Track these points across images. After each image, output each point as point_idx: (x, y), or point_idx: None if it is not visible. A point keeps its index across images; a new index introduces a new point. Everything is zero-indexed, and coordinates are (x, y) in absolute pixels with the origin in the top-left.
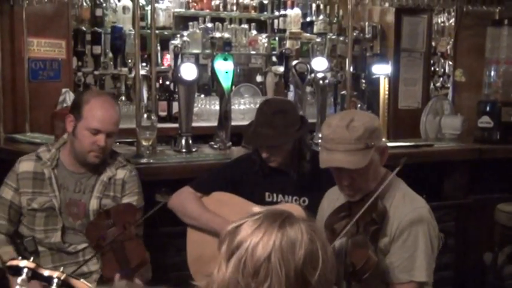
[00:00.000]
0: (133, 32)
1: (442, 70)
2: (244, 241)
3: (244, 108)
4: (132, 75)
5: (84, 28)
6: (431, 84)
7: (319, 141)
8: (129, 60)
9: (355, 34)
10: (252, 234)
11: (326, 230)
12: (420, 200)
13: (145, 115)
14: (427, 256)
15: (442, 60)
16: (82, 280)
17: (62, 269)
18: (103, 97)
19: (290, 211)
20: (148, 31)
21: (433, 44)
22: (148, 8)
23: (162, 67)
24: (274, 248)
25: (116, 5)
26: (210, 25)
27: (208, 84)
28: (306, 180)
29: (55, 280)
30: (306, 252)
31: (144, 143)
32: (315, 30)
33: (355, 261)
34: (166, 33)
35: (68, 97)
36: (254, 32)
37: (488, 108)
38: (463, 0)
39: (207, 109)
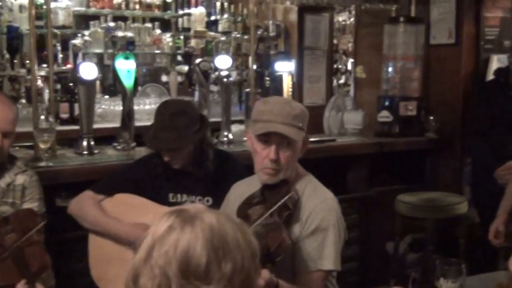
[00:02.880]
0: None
1: (345, 67)
2: (163, 240)
3: (150, 108)
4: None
5: None
6: (335, 81)
7: (224, 139)
8: (28, 61)
9: (259, 32)
10: (163, 236)
11: (239, 216)
12: (329, 192)
13: (42, 117)
14: (336, 245)
15: (344, 58)
16: None
17: None
18: None
19: (201, 209)
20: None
21: (335, 41)
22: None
23: (64, 67)
24: (191, 244)
25: (12, 3)
26: (112, 24)
27: (114, 84)
28: (210, 180)
29: None
30: (216, 247)
31: (42, 145)
32: (220, 28)
33: (269, 244)
34: (67, 32)
35: None
36: (158, 31)
37: (387, 103)
38: None
39: (111, 110)
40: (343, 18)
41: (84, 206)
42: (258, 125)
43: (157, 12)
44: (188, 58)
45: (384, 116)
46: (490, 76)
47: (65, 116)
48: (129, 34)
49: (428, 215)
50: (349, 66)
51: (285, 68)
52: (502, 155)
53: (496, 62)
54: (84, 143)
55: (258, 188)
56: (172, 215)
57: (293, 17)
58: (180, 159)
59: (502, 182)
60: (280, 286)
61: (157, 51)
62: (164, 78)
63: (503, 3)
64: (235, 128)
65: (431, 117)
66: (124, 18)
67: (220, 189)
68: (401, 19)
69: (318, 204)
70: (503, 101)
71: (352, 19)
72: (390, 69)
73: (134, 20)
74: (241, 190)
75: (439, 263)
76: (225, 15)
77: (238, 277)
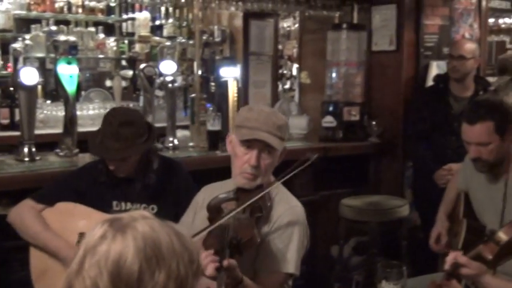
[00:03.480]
0: None
1: (289, 72)
2: (94, 250)
3: (94, 113)
4: None
5: None
6: (280, 86)
7: (169, 144)
8: None
9: (204, 38)
10: (101, 242)
11: (210, 209)
12: (297, 200)
13: None
14: (299, 251)
15: (289, 63)
16: None
17: None
18: None
19: (135, 217)
20: None
21: (280, 47)
22: None
23: (4, 72)
24: (123, 253)
25: None
26: (54, 28)
27: (57, 89)
28: (155, 188)
29: None
30: (149, 255)
31: None
32: (165, 33)
33: (240, 236)
34: (8, 36)
35: None
36: (102, 35)
37: (331, 109)
38: (305, 5)
39: (53, 115)
40: (288, 24)
41: (25, 218)
42: (243, 131)
43: (100, 16)
44: (132, 63)
45: (328, 121)
46: (430, 82)
47: (5, 121)
48: (72, 38)
49: (371, 218)
50: (294, 72)
51: (230, 73)
52: (441, 159)
53: (435, 68)
54: (25, 150)
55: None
56: (105, 223)
57: (238, 22)
58: (126, 168)
59: (442, 182)
60: (244, 282)
61: (101, 56)
62: (108, 83)
63: (441, 11)
64: (180, 133)
65: (374, 122)
66: (66, 22)
67: (166, 196)
68: (344, 26)
69: (286, 209)
70: (442, 106)
71: (296, 25)
72: (334, 75)
73: (77, 24)
74: (212, 192)
75: (380, 266)
76: (170, 20)
77: (173, 284)
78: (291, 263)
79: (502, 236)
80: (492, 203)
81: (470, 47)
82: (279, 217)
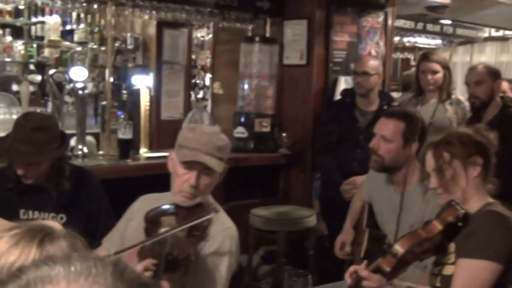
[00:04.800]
0: None
1: (202, 82)
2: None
3: None
4: None
5: None
6: (192, 95)
7: (78, 152)
8: None
9: (117, 45)
10: (9, 252)
11: (148, 220)
12: (230, 221)
13: None
14: (228, 272)
15: (202, 73)
16: None
17: None
18: None
19: (51, 227)
20: None
21: (194, 57)
22: None
23: None
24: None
25: None
26: None
27: None
28: (65, 197)
29: None
30: None
31: None
32: (76, 39)
33: (177, 253)
34: None
35: None
36: (9, 38)
37: (242, 120)
38: (219, 16)
39: None
40: (202, 34)
41: None
42: (184, 151)
43: (8, 19)
44: (41, 68)
45: (240, 131)
46: (338, 96)
47: None
48: None
49: (280, 228)
50: (207, 82)
51: (142, 81)
52: (348, 171)
53: (343, 83)
54: None
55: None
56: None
57: (152, 30)
58: (35, 174)
59: (348, 196)
60: None
61: (8, 59)
62: (15, 87)
63: (350, 29)
64: (90, 141)
65: (284, 134)
66: None
67: (76, 206)
68: (257, 39)
69: (221, 230)
70: (348, 119)
71: (210, 35)
72: (246, 86)
73: None
74: (149, 203)
75: (287, 275)
76: (81, 25)
77: None
78: (219, 284)
79: (399, 248)
80: (390, 214)
81: (373, 63)
82: (213, 237)
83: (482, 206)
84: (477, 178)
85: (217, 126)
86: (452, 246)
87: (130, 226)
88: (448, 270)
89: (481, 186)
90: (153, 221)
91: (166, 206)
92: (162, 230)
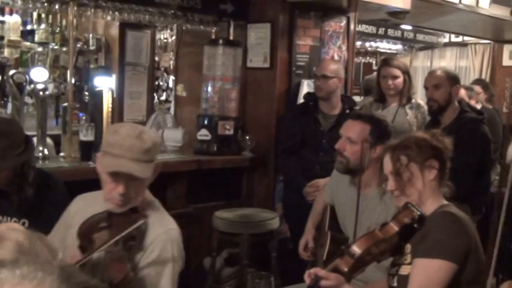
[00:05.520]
0: None
1: (166, 84)
2: None
3: None
4: None
5: None
6: (156, 97)
7: (39, 154)
8: None
9: (78, 45)
10: None
11: (82, 237)
12: (173, 221)
13: None
14: (173, 277)
15: (166, 75)
16: None
17: None
18: None
19: (3, 229)
20: None
21: (157, 58)
22: None
23: None
24: None
25: None
26: None
27: None
28: (27, 203)
29: None
30: None
31: None
32: (36, 39)
33: (113, 275)
34: None
35: None
36: None
37: (206, 122)
38: (182, 18)
39: None
40: (165, 36)
41: None
42: (107, 160)
43: None
44: (1, 68)
45: (203, 134)
46: (301, 99)
47: None
48: None
49: (243, 230)
50: (170, 84)
51: (105, 83)
52: (310, 174)
53: (306, 86)
54: None
55: (103, 207)
56: None
57: (114, 31)
58: None
59: (310, 199)
60: None
61: None
62: None
63: (313, 33)
64: (51, 143)
65: (248, 137)
66: None
67: (40, 211)
68: (221, 41)
69: (161, 233)
70: (311, 122)
71: (173, 37)
72: (209, 89)
73: None
74: (85, 205)
75: (250, 277)
76: (42, 26)
77: None
78: None
79: (356, 249)
80: (353, 216)
81: (332, 67)
82: (153, 242)
83: (437, 208)
84: (433, 181)
85: (142, 127)
86: (408, 247)
87: (69, 234)
88: (404, 270)
89: (437, 189)
90: (86, 236)
91: (98, 216)
92: (95, 254)
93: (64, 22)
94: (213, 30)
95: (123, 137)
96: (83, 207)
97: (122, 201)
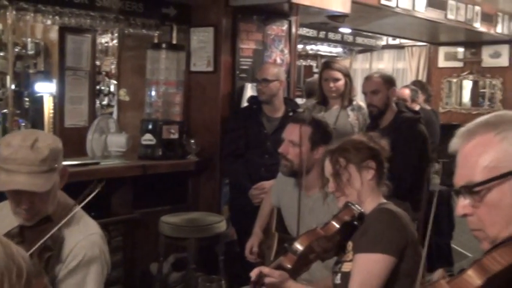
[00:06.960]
0: None
1: (108, 89)
2: None
3: None
4: None
5: None
6: (98, 102)
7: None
8: None
9: (17, 50)
10: None
11: None
12: (94, 225)
13: None
14: (97, 283)
15: (107, 79)
16: None
17: None
18: None
19: None
20: None
21: (98, 63)
22: None
23: None
24: None
25: None
26: None
27: None
28: None
29: None
30: None
31: None
32: None
33: None
34: None
35: None
36: None
37: (150, 127)
38: (124, 22)
39: None
40: (106, 40)
41: None
42: (2, 177)
43: None
44: None
45: (148, 139)
46: (245, 103)
47: None
48: None
49: (190, 234)
50: (112, 88)
51: (45, 88)
52: (256, 176)
53: (250, 90)
54: None
55: (16, 220)
56: None
57: (53, 35)
58: None
59: (256, 201)
60: None
61: None
62: None
63: (256, 37)
64: None
65: (193, 141)
66: None
67: None
68: (164, 45)
69: (80, 240)
70: (255, 126)
71: (115, 41)
72: (153, 93)
73: None
74: (3, 212)
75: (201, 281)
76: None
77: None
78: None
79: (298, 246)
80: (295, 217)
81: (273, 70)
82: (72, 250)
83: (376, 206)
84: (371, 181)
85: (37, 134)
86: (350, 245)
87: None
88: (346, 267)
89: (376, 189)
90: None
91: (12, 232)
92: None
93: (1, 26)
94: (156, 34)
95: (15, 149)
96: (1, 217)
97: (29, 215)
